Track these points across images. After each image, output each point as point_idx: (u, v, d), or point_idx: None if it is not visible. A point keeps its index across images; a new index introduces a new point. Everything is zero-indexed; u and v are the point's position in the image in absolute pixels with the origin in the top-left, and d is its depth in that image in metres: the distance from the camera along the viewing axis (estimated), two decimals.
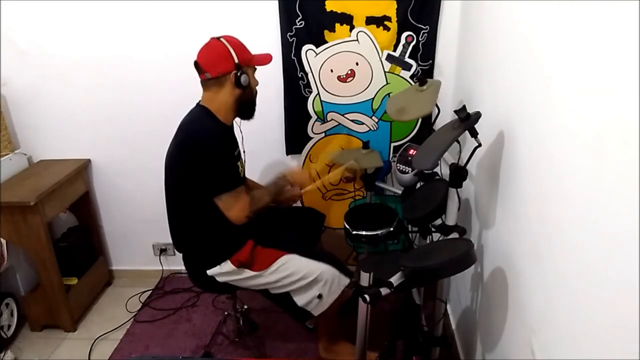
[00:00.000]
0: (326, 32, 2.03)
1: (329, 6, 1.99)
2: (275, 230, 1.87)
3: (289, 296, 1.69)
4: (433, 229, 1.62)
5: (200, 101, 1.64)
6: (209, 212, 1.58)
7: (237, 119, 1.70)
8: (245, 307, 2.14)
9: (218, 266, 1.65)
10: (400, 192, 2.00)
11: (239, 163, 1.68)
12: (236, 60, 1.52)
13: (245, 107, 1.63)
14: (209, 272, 1.67)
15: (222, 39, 1.54)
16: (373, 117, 2.19)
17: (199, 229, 1.67)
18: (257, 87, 1.67)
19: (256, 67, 1.64)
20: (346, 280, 1.71)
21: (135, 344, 2.14)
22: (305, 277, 1.65)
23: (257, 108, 1.68)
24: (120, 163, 2.40)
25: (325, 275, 1.65)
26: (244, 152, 1.75)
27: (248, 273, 1.66)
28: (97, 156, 2.40)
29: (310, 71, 2.11)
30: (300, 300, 1.68)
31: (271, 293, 1.72)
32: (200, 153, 1.52)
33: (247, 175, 1.86)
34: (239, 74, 1.53)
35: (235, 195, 1.58)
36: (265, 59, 1.63)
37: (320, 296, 1.66)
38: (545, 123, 1.02)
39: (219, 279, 1.68)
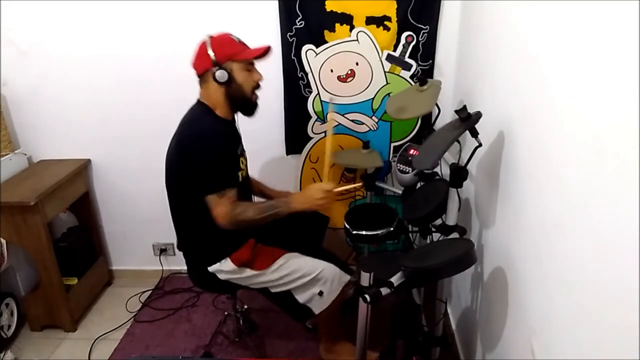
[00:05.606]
0: (326, 32, 2.03)
1: (329, 6, 1.99)
2: (277, 229, 1.86)
3: (289, 294, 1.70)
4: (433, 229, 1.62)
5: (199, 97, 1.63)
6: (208, 209, 1.58)
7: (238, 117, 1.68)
8: (245, 307, 2.14)
9: (218, 263, 1.65)
10: (400, 192, 2.00)
11: (242, 159, 1.67)
12: (213, 58, 1.50)
13: (237, 103, 1.60)
14: (210, 268, 1.67)
15: (208, 36, 1.54)
16: (373, 117, 2.19)
17: (199, 226, 1.66)
18: (259, 82, 1.60)
19: (252, 61, 1.58)
20: (347, 278, 1.71)
21: (135, 344, 2.14)
22: (306, 275, 1.65)
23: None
24: (120, 163, 2.40)
25: (326, 273, 1.66)
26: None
27: (249, 272, 1.66)
28: (97, 156, 2.40)
29: (310, 71, 2.11)
30: (301, 297, 1.69)
31: (271, 292, 1.72)
32: (196, 152, 1.51)
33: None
34: (215, 71, 1.52)
35: (220, 197, 1.52)
36: (255, 52, 1.55)
37: (321, 293, 1.67)
38: (545, 123, 1.02)
39: (220, 276, 1.68)
